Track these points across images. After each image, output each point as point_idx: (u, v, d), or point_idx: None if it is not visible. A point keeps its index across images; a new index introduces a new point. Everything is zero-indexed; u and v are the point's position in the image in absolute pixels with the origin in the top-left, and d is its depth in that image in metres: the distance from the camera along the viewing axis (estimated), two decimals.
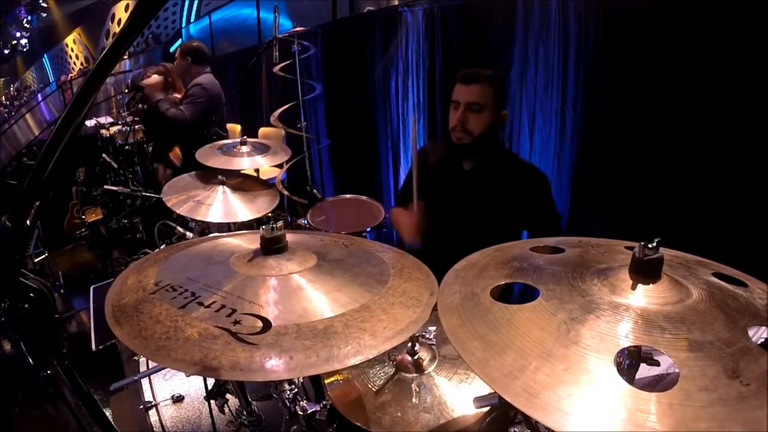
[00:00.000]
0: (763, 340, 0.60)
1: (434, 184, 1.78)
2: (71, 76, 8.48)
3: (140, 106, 3.31)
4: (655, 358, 0.80)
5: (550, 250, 0.86)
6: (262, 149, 2.31)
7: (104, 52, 0.63)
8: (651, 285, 0.67)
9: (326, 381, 1.14)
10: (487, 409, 0.95)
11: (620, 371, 0.55)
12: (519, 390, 0.54)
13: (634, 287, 0.67)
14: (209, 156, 2.21)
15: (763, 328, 0.65)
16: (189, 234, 2.36)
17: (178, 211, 1.93)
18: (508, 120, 2.42)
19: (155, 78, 3.37)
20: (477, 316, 0.67)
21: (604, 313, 0.64)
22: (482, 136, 1.64)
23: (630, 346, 0.61)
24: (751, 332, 0.60)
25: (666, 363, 0.86)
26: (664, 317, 0.62)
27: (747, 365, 0.54)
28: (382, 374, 1.11)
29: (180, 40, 7.90)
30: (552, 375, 0.55)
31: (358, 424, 1.00)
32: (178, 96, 3.82)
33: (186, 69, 3.32)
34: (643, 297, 0.66)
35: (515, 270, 0.79)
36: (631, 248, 0.80)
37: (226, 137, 2.86)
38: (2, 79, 14.61)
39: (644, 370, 0.81)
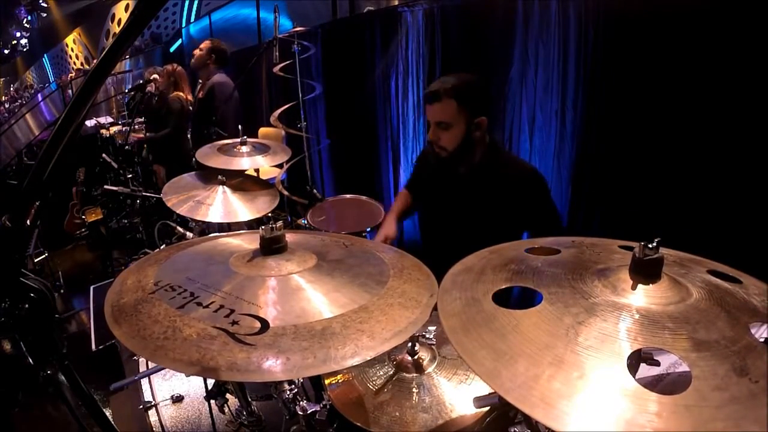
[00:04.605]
0: (764, 338, 0.60)
1: (431, 188, 1.78)
2: (71, 76, 8.49)
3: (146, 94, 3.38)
4: (655, 358, 0.80)
5: (546, 251, 0.85)
6: (261, 149, 2.31)
7: (104, 52, 0.63)
8: (651, 285, 0.67)
9: (326, 381, 1.14)
10: (486, 408, 0.95)
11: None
12: (536, 401, 0.53)
13: (634, 287, 0.67)
14: (209, 156, 2.22)
15: (765, 326, 0.65)
16: (189, 234, 2.36)
17: (178, 211, 1.93)
18: (508, 120, 2.42)
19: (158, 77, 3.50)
20: (482, 324, 0.66)
21: (610, 315, 0.63)
22: (457, 149, 1.62)
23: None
24: (753, 329, 0.60)
25: (666, 363, 0.86)
26: (668, 317, 0.62)
27: (753, 362, 0.54)
28: (381, 374, 1.11)
29: (180, 40, 7.89)
30: (567, 383, 0.54)
31: (358, 423, 1.00)
32: (181, 94, 3.84)
33: (204, 64, 3.35)
34: (645, 297, 0.66)
35: (514, 273, 0.78)
36: (624, 247, 0.80)
37: (226, 137, 2.86)
38: (2, 79, 14.63)
39: (644, 370, 0.81)
